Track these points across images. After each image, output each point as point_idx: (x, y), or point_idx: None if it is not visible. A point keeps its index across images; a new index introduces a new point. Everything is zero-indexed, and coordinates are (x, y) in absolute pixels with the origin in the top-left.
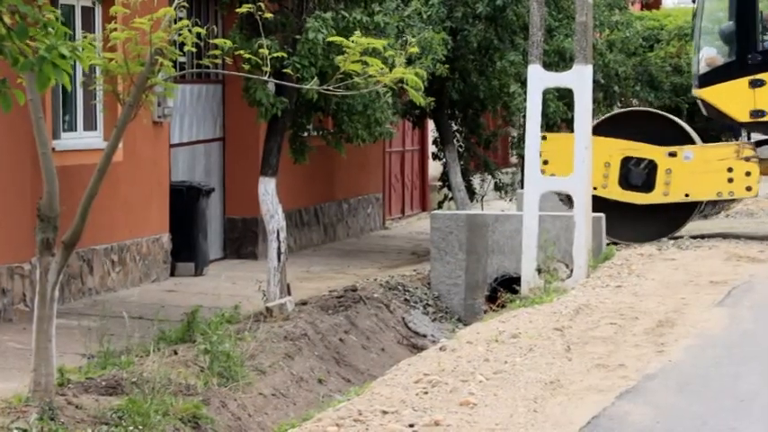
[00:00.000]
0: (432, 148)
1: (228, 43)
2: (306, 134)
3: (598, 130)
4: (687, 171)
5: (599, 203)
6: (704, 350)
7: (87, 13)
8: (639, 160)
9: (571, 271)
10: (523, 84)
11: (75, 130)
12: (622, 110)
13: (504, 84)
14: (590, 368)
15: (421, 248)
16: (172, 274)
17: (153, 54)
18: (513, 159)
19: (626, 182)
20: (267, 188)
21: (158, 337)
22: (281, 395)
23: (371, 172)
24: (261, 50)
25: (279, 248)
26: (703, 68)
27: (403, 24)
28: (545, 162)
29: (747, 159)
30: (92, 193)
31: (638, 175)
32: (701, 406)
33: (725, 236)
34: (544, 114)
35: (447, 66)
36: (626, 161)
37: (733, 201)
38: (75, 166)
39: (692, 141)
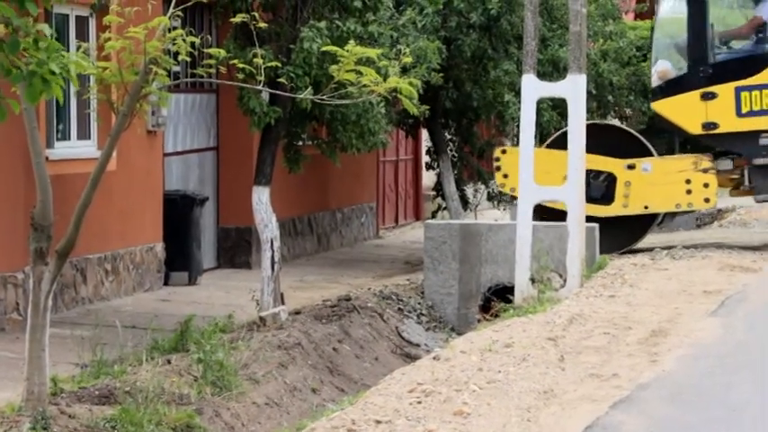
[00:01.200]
0: (425, 158)
1: (223, 52)
2: (300, 143)
3: (557, 144)
4: (646, 183)
5: (559, 216)
6: (697, 360)
7: (82, 22)
8: (599, 173)
9: (564, 281)
10: (517, 93)
11: (69, 139)
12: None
13: (498, 93)
14: (583, 378)
15: (414, 258)
16: (165, 284)
17: (147, 63)
18: None
19: (586, 194)
20: (261, 197)
21: (152, 346)
22: (274, 404)
23: (365, 181)
24: (255, 60)
25: (272, 258)
26: (656, 81)
27: (397, 34)
28: (504, 176)
29: (705, 171)
30: (85, 202)
31: (597, 187)
32: (694, 416)
33: (718, 246)
34: (538, 124)
35: (441, 75)
36: (585, 174)
37: (692, 212)
38: (69, 175)
39: (649, 154)
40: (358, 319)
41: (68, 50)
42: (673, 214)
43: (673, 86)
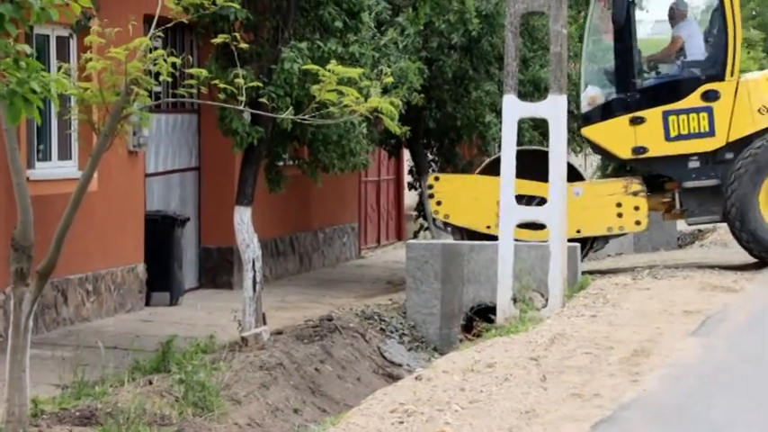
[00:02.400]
0: (408, 178)
1: (204, 73)
2: (281, 163)
3: (489, 171)
4: (577, 207)
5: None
6: (678, 380)
7: (62, 42)
8: (531, 198)
9: (546, 300)
10: (499, 113)
11: (50, 160)
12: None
13: (480, 113)
14: (565, 398)
15: (397, 278)
16: (147, 304)
17: (128, 84)
18: None
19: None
20: (243, 217)
21: (133, 367)
22: (256, 425)
23: (347, 201)
24: (236, 80)
25: (254, 278)
26: (585, 107)
27: (379, 54)
28: (438, 203)
29: (636, 194)
30: (66, 222)
31: None
32: None
33: (699, 266)
34: (519, 143)
35: (423, 95)
36: (518, 200)
37: (623, 235)
38: (50, 195)
39: (581, 178)
40: (340, 340)
41: (49, 71)
42: (605, 238)
43: (602, 112)
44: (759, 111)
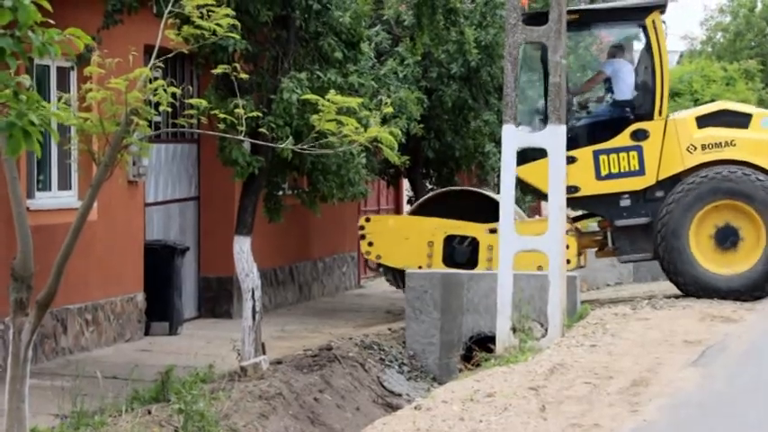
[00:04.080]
0: (406, 208)
1: (204, 103)
2: (280, 193)
3: (420, 211)
4: None
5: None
6: (678, 410)
7: (63, 72)
8: (463, 238)
9: (546, 330)
10: (498, 143)
11: (50, 190)
12: (441, 190)
13: (479, 143)
14: (565, 428)
15: (396, 307)
16: (146, 334)
17: (128, 114)
18: None
19: (451, 260)
20: (242, 247)
21: (132, 396)
22: None
23: (346, 231)
24: (236, 110)
25: (254, 307)
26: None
27: (378, 84)
28: (369, 244)
29: (566, 233)
30: (66, 252)
31: (461, 252)
32: None
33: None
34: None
35: (422, 125)
36: (450, 239)
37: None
38: (50, 225)
39: None
40: (339, 369)
41: (49, 101)
42: None
43: (534, 151)
44: (688, 149)
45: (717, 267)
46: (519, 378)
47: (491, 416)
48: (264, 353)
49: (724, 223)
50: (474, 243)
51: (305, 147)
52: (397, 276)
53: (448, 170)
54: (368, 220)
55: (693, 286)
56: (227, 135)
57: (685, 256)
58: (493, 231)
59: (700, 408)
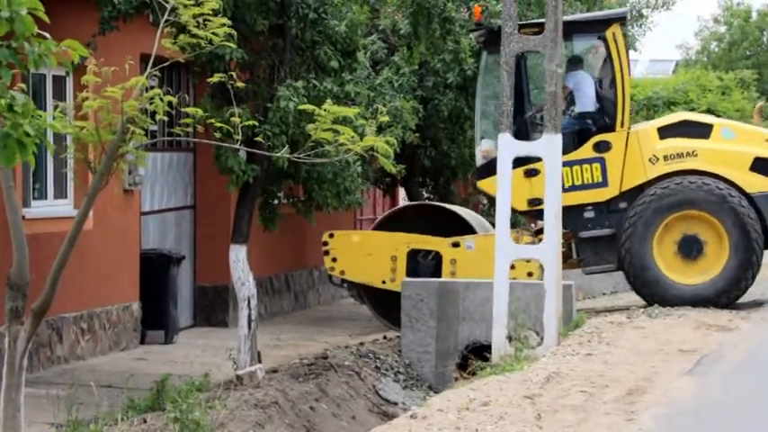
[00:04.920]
0: None
1: (200, 112)
2: (276, 202)
3: (383, 226)
4: (471, 260)
5: (389, 296)
6: (673, 418)
7: (59, 81)
8: (426, 252)
9: (542, 338)
10: None
11: (46, 198)
12: (404, 205)
13: (475, 152)
14: None
15: None
16: (142, 342)
17: (124, 122)
18: None
19: (414, 274)
20: (238, 255)
21: (127, 405)
22: None
23: None
24: (232, 119)
25: (249, 316)
26: (480, 161)
27: (374, 93)
28: (333, 260)
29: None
30: (62, 260)
31: (425, 266)
32: None
33: (694, 305)
34: None
35: (418, 134)
36: (413, 254)
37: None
38: (46, 233)
39: (473, 231)
40: (335, 378)
41: (45, 110)
42: None
43: (497, 165)
44: (650, 160)
45: (681, 277)
46: (515, 387)
47: (487, 425)
48: (260, 361)
49: (687, 233)
50: (438, 257)
51: (301, 155)
52: (361, 292)
53: (444, 179)
54: (331, 236)
55: (659, 296)
56: (224, 144)
57: (649, 267)
58: (456, 245)
59: (695, 417)
